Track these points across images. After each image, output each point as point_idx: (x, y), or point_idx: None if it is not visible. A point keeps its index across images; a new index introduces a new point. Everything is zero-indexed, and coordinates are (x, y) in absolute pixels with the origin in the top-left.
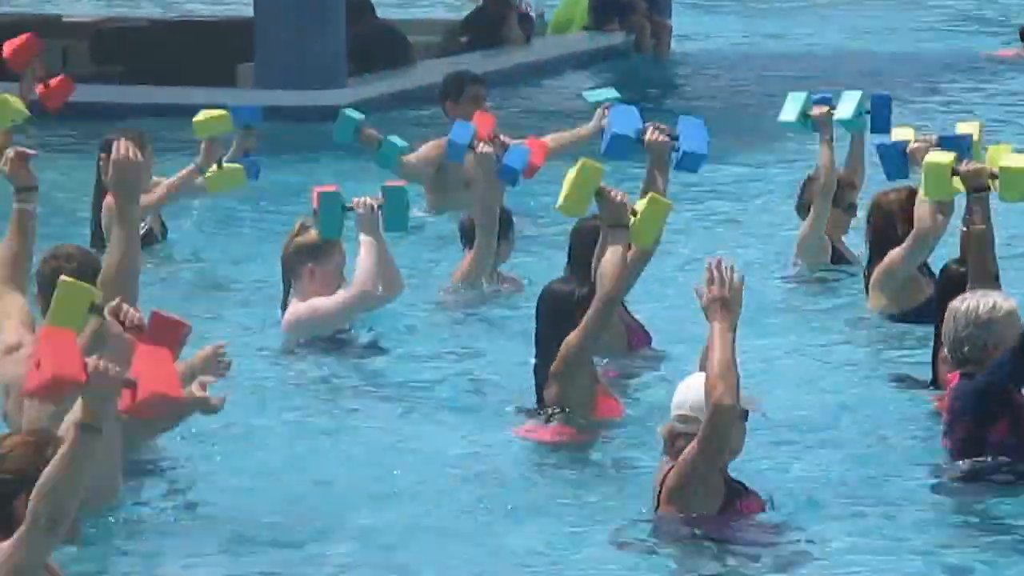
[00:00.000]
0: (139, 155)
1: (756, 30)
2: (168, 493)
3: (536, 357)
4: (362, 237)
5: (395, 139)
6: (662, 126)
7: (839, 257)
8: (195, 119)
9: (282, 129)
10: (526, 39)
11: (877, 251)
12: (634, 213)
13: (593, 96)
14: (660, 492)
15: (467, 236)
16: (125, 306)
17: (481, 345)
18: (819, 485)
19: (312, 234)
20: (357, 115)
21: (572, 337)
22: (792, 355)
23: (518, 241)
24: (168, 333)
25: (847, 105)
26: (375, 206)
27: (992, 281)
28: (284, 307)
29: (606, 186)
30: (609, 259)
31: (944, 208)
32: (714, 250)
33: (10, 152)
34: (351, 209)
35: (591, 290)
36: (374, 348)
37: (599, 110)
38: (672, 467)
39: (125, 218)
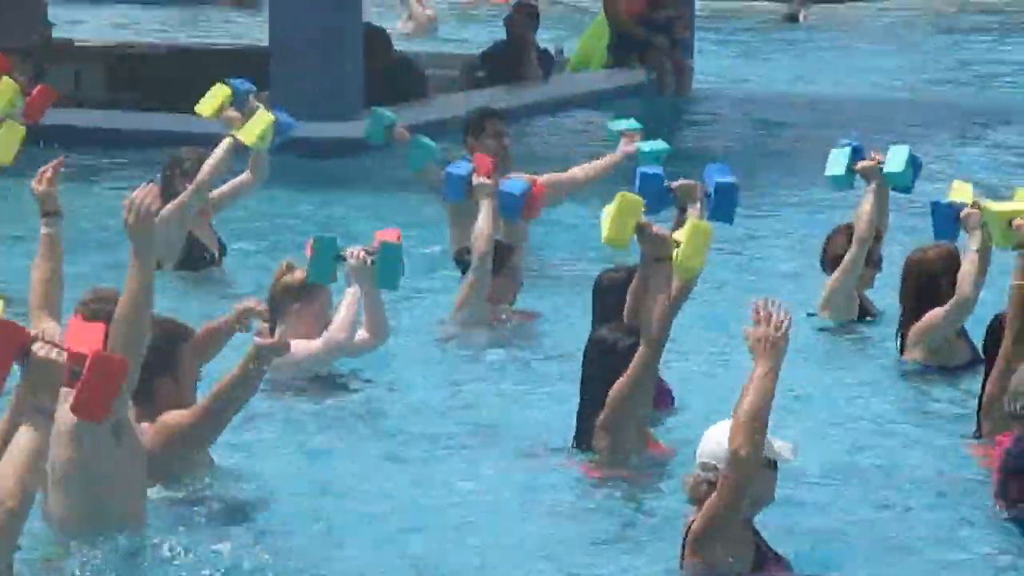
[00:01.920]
0: (155, 205)
1: (778, 71)
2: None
3: (581, 404)
4: (349, 288)
5: (427, 140)
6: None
7: (864, 311)
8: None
9: (297, 161)
10: (545, 76)
11: (914, 309)
12: (676, 244)
13: (615, 125)
14: (685, 542)
15: (461, 265)
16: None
17: (489, 381)
18: (856, 537)
19: (298, 274)
20: (390, 114)
21: (620, 385)
22: (825, 403)
23: (538, 281)
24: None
25: (897, 159)
26: (368, 259)
27: None
28: None
29: (646, 220)
30: (655, 299)
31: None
32: (734, 298)
33: (47, 171)
34: (344, 258)
35: (635, 341)
36: (371, 385)
37: (623, 138)
38: (696, 516)
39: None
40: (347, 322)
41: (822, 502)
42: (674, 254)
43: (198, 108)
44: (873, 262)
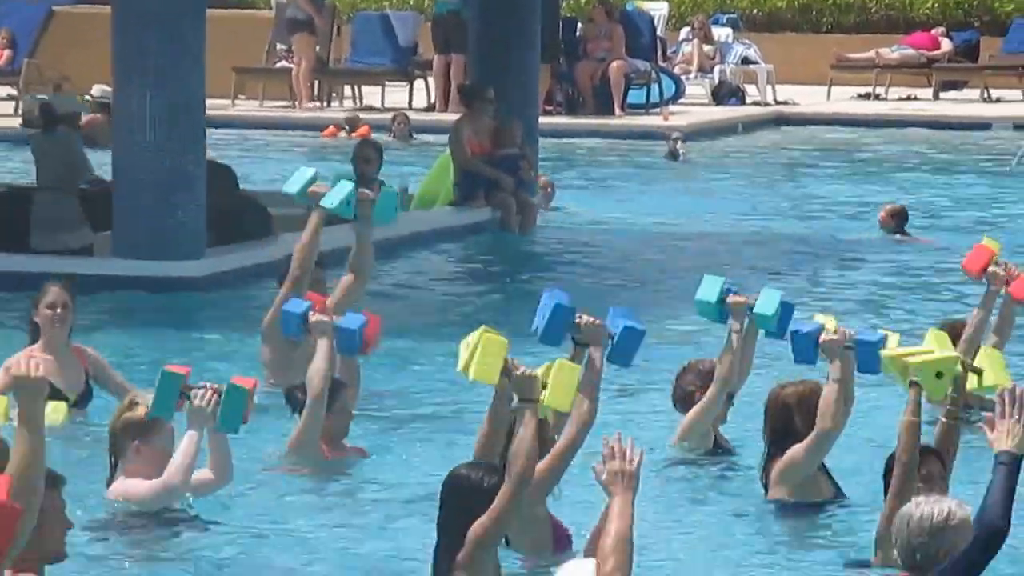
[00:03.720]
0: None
1: (627, 209)
2: None
3: (438, 544)
4: (188, 431)
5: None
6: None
7: (719, 445)
8: None
9: (139, 300)
10: None
11: (776, 445)
12: (544, 386)
13: (292, 187)
14: None
15: (294, 404)
16: None
17: (323, 520)
18: None
19: (140, 411)
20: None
21: (481, 523)
22: (690, 541)
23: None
24: None
25: (768, 302)
26: (215, 402)
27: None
28: (109, 483)
29: (511, 360)
30: (521, 436)
31: (848, 401)
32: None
33: None
34: (187, 397)
35: (499, 479)
36: (209, 524)
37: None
38: None
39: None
40: (183, 467)
41: None
42: (542, 395)
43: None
44: (725, 398)
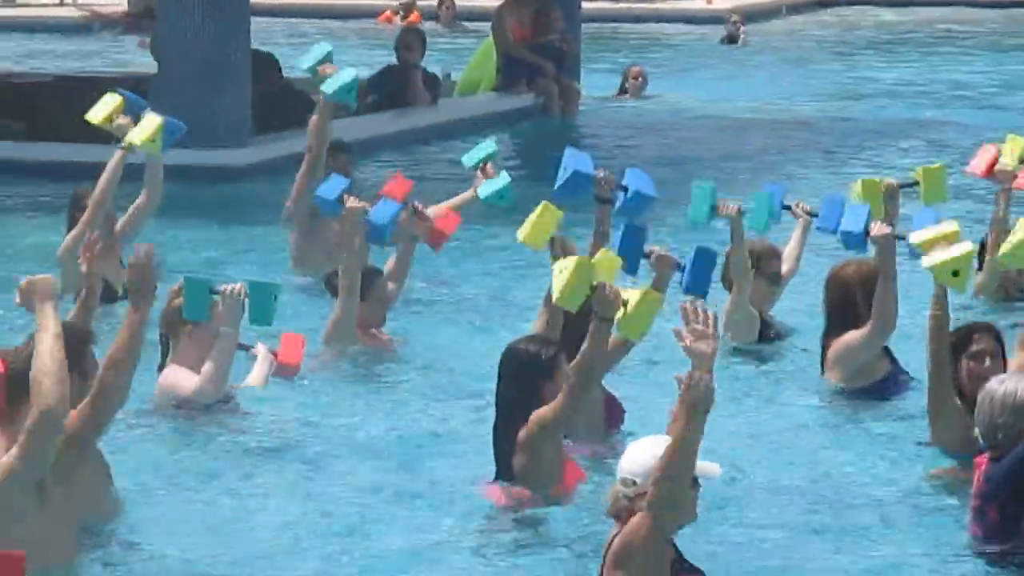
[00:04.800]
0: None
1: (665, 93)
2: None
3: (497, 419)
4: (221, 329)
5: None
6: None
7: (768, 328)
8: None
9: (184, 189)
10: (432, 100)
11: (835, 323)
12: (624, 304)
13: (470, 159)
14: (605, 558)
15: (333, 291)
16: None
17: (363, 406)
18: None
19: None
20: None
21: (542, 412)
22: (756, 425)
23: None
24: None
25: (758, 211)
26: (242, 295)
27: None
28: (162, 367)
29: (603, 283)
30: (592, 347)
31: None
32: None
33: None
34: (217, 293)
35: (557, 351)
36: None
37: (478, 173)
38: (618, 532)
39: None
40: (220, 372)
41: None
42: (619, 315)
43: (88, 114)
44: (767, 277)
